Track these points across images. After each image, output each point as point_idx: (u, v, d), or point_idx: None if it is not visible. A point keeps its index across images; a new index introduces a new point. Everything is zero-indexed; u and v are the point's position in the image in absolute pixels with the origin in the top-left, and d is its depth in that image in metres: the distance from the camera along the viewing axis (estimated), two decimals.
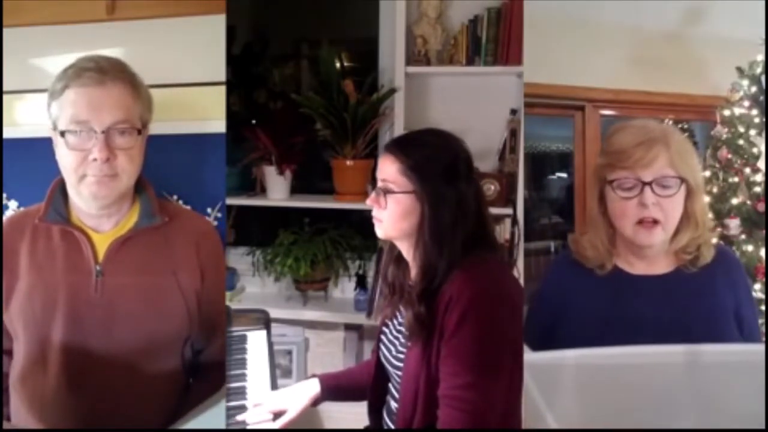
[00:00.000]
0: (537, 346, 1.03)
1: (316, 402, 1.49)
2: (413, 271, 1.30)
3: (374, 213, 1.30)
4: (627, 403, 0.68)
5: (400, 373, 1.29)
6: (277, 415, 1.44)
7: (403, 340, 1.30)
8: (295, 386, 1.52)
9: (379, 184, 1.28)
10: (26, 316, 1.33)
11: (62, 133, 1.28)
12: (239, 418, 1.41)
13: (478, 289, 1.16)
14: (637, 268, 1.29)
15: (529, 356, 0.69)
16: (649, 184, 1.18)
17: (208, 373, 1.44)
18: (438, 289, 1.20)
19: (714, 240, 1.31)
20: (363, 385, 1.48)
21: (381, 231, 1.30)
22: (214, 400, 1.27)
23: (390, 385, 1.37)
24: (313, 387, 1.50)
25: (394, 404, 1.33)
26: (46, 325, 1.31)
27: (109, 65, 1.30)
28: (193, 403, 1.29)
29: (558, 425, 0.70)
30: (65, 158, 1.30)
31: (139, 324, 1.33)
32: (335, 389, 1.52)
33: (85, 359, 1.31)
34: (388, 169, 1.26)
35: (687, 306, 1.26)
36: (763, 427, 0.69)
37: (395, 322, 1.36)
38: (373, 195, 1.29)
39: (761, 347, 0.73)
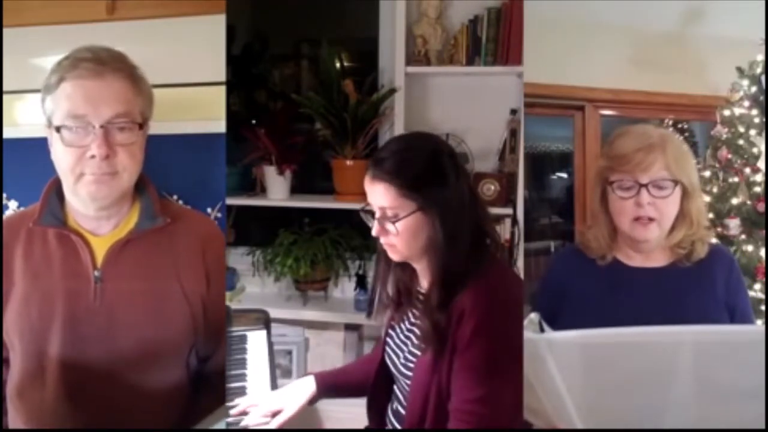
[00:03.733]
0: None
1: (312, 400, 1.49)
2: (425, 279, 1.28)
3: (383, 241, 1.26)
4: (630, 379, 0.73)
5: (408, 381, 1.28)
6: (274, 415, 1.43)
7: (412, 347, 1.29)
8: (291, 385, 1.52)
9: (378, 213, 1.23)
10: (22, 325, 1.26)
11: (58, 129, 1.20)
12: (236, 413, 1.41)
13: (491, 303, 1.15)
14: (635, 260, 1.37)
15: (549, 335, 0.73)
16: (646, 185, 1.27)
17: (215, 382, 1.38)
18: (452, 298, 1.18)
19: (711, 238, 1.39)
20: (360, 382, 1.47)
21: (397, 255, 1.26)
22: (219, 414, 1.25)
23: (395, 387, 1.37)
24: (309, 385, 1.49)
25: (399, 408, 1.33)
26: (43, 335, 1.25)
27: (109, 56, 1.23)
28: (199, 414, 1.25)
29: (571, 399, 0.74)
30: (61, 156, 1.22)
31: (141, 332, 1.26)
32: (332, 387, 1.51)
33: (84, 370, 1.25)
34: (385, 196, 1.21)
35: (680, 297, 1.33)
36: (762, 420, 0.72)
37: (403, 326, 1.35)
38: (377, 226, 1.24)
39: (759, 327, 0.76)
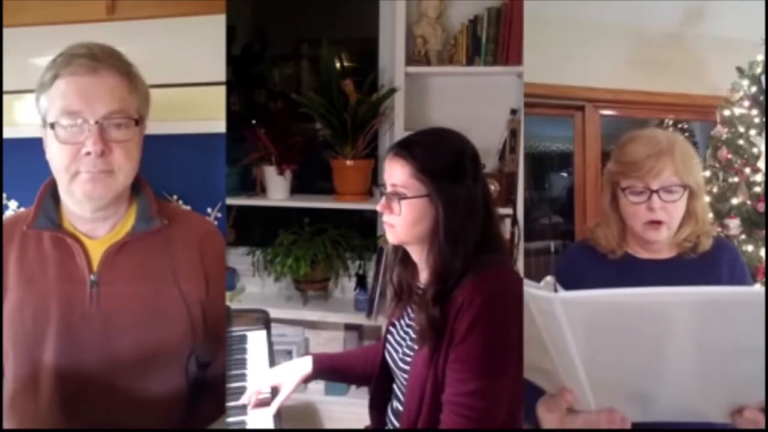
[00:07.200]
0: None
1: (307, 379, 1.50)
2: (424, 273, 1.29)
3: (385, 219, 1.27)
4: (633, 335, 0.79)
5: (406, 375, 1.28)
6: (272, 390, 1.47)
7: (410, 342, 1.30)
8: (289, 363, 1.54)
9: (389, 189, 1.24)
10: (15, 333, 1.21)
11: (52, 126, 1.17)
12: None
13: (489, 296, 1.15)
14: (644, 254, 1.45)
15: (563, 294, 0.79)
16: (657, 191, 1.33)
17: (215, 390, 1.34)
18: (450, 293, 1.19)
19: (714, 232, 1.46)
20: (358, 370, 1.50)
21: (394, 237, 1.27)
22: (218, 425, 1.24)
23: (395, 385, 1.37)
24: (305, 365, 1.50)
25: (398, 405, 1.33)
26: (37, 342, 1.20)
27: (103, 53, 1.19)
28: (199, 424, 1.23)
29: (579, 356, 0.80)
30: (56, 155, 1.18)
31: (138, 338, 1.22)
32: (329, 370, 1.53)
33: (79, 378, 1.20)
34: (398, 173, 1.22)
35: (687, 285, 1.35)
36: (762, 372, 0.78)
37: (402, 322, 1.36)
38: (383, 201, 1.26)
39: (758, 289, 0.80)
